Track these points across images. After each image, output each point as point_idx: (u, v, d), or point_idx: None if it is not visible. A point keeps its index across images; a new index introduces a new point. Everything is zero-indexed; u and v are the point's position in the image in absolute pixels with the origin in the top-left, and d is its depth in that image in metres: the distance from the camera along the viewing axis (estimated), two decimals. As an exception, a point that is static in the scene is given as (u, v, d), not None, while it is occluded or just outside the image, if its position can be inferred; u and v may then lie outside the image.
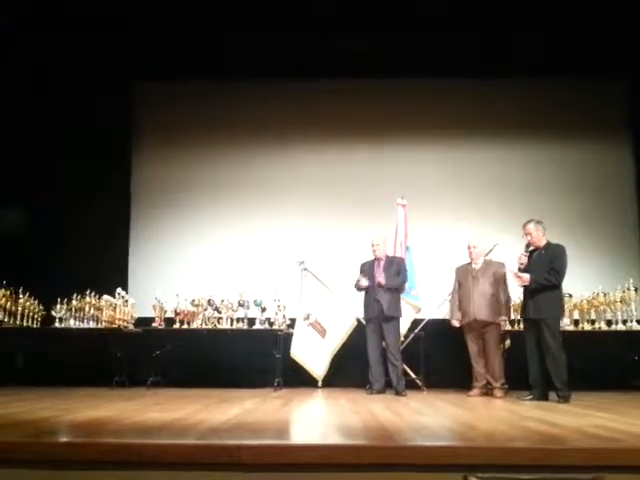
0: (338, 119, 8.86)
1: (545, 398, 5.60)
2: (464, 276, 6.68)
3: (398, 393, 6.38)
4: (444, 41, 8.09)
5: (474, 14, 7.77)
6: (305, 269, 7.62)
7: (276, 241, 8.60)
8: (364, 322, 6.93)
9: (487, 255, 6.86)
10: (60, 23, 7.89)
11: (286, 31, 8.02)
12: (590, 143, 8.84)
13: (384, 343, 6.66)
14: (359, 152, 8.84)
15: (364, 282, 6.61)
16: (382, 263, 6.78)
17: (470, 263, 6.70)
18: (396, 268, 6.76)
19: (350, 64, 8.38)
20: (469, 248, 6.69)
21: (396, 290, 6.73)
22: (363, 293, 6.81)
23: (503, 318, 6.51)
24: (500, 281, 6.46)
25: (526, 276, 5.80)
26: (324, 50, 8.21)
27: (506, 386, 6.37)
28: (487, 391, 6.46)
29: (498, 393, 6.26)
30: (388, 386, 6.61)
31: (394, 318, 6.65)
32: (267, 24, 7.93)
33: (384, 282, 6.59)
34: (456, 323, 6.65)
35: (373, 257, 6.86)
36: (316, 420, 4.28)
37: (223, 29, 7.99)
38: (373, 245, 6.83)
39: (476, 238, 6.73)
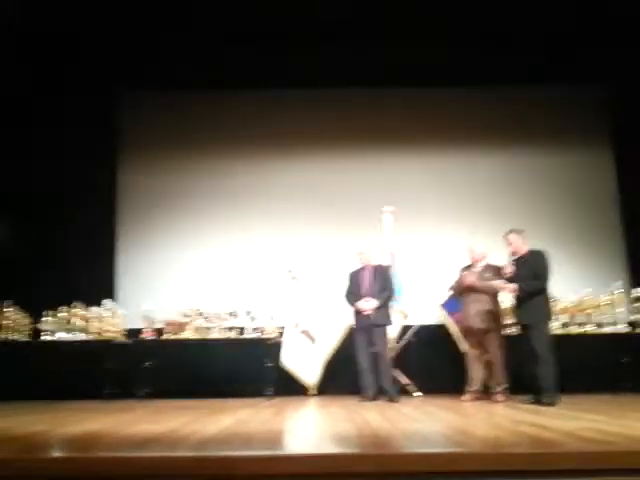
0: (324, 128, 8.92)
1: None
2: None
3: (391, 399, 6.37)
4: (427, 51, 8.14)
5: (457, 23, 7.84)
6: (294, 277, 7.60)
7: (264, 250, 8.60)
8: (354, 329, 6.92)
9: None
10: (51, 26, 7.80)
11: (272, 41, 8.04)
12: (572, 148, 8.95)
13: (374, 350, 6.65)
14: (346, 160, 8.88)
15: (361, 308, 6.59)
16: (368, 272, 6.79)
17: (470, 267, 6.67)
18: (381, 279, 6.73)
19: (334, 74, 8.44)
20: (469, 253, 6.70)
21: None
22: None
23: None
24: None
25: (512, 286, 5.85)
26: (309, 60, 8.24)
27: (508, 391, 6.35)
28: (487, 395, 6.42)
29: (499, 397, 6.21)
30: (380, 393, 6.60)
31: (383, 325, 6.65)
32: (254, 36, 7.96)
33: (374, 306, 6.54)
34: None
35: (360, 265, 6.87)
36: (309, 429, 4.26)
37: (211, 41, 8.01)
38: (359, 254, 6.84)
39: (474, 242, 6.69)
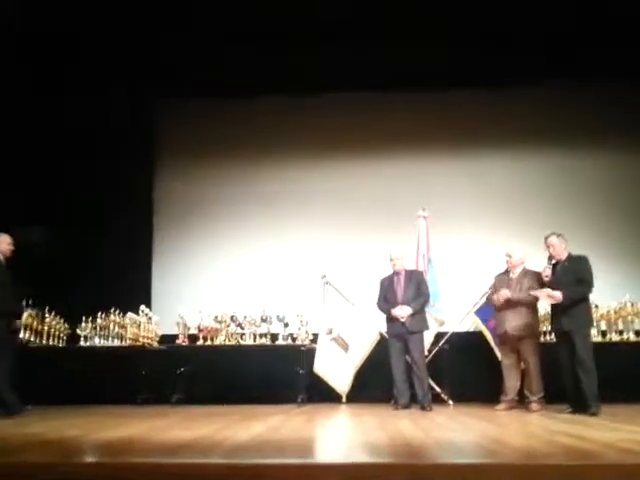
0: (358, 133, 8.89)
1: (583, 410, 5.47)
2: (500, 285, 6.46)
3: (424, 408, 6.29)
4: (461, 51, 8.06)
5: (487, 22, 7.75)
6: (327, 283, 7.58)
7: (298, 256, 8.62)
8: (387, 336, 6.86)
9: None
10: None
11: (298, 46, 8.01)
12: (611, 150, 8.80)
13: (408, 357, 6.59)
14: (379, 166, 8.85)
15: (396, 315, 6.52)
16: (402, 278, 6.72)
17: (507, 272, 6.52)
18: (415, 284, 6.65)
19: (367, 77, 8.41)
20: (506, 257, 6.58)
21: None
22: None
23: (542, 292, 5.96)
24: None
25: (558, 294, 5.70)
26: (340, 65, 8.21)
27: (544, 400, 6.22)
28: (523, 404, 6.29)
29: (535, 407, 6.08)
30: (413, 401, 6.53)
31: (419, 332, 6.58)
32: (282, 40, 7.95)
33: (409, 313, 6.46)
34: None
35: (392, 271, 6.81)
36: (341, 437, 4.24)
37: (241, 48, 8.04)
38: (392, 259, 6.75)
39: (512, 247, 6.52)
